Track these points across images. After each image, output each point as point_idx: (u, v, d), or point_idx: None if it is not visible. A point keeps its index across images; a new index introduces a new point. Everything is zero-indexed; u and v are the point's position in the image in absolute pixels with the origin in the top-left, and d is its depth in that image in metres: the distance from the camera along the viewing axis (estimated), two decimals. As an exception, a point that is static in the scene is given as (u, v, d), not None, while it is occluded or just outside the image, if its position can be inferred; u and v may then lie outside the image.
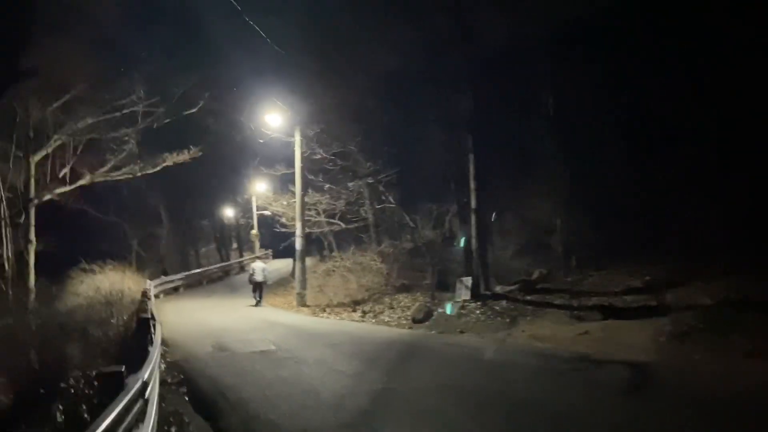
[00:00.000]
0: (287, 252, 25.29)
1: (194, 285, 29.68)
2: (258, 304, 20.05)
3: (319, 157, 19.60)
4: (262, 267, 20.63)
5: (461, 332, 12.89)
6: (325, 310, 18.16)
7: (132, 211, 32.10)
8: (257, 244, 43.44)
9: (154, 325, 8.52)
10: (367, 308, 17.23)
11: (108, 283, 16.97)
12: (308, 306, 19.37)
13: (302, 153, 19.51)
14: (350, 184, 19.59)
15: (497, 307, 14.05)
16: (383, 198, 19.21)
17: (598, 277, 15.07)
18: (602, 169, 15.50)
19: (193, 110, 19.02)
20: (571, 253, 16.40)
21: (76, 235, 28.39)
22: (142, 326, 7.59)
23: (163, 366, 9.04)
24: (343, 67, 17.94)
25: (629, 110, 15.23)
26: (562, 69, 16.03)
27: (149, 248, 33.39)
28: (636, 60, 14.69)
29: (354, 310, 17.40)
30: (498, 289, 16.04)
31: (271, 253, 43.51)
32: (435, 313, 14.94)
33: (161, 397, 6.73)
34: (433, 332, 13.44)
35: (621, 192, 15.10)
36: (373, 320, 16.00)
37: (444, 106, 16.76)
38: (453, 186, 16.31)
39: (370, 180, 19.50)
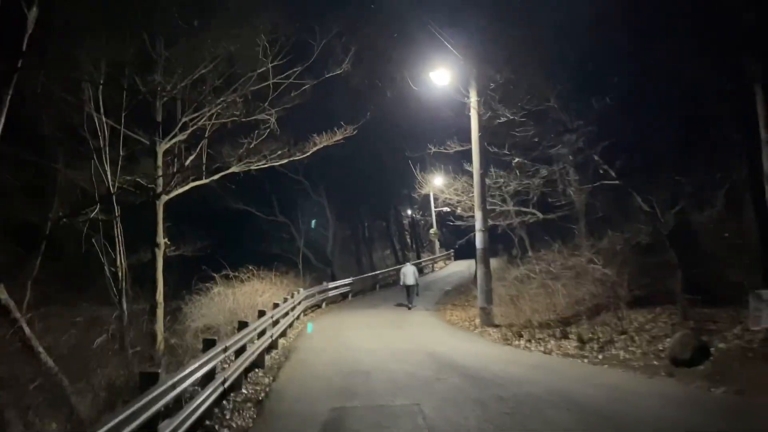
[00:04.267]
0: (469, 251, 21.16)
1: (366, 290, 26.56)
2: (410, 307, 19.96)
3: (503, 120, 14.14)
4: (412, 270, 20.30)
5: (784, 394, 7.14)
6: (521, 335, 12.87)
7: (298, 210, 29.82)
8: (437, 244, 40.03)
9: None
10: (584, 333, 11.70)
11: (237, 297, 13.38)
12: (496, 326, 14.25)
13: (480, 116, 14.26)
14: (551, 152, 13.77)
15: (842, 346, 7.80)
16: (600, 172, 13.23)
17: None
18: None
19: (338, 71, 14.85)
20: None
21: (241, 237, 26.98)
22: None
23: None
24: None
25: None
26: None
27: (318, 251, 30.65)
28: None
29: (565, 336, 12.02)
30: (828, 310, 9.33)
31: (452, 254, 39.60)
32: (712, 349, 8.98)
33: None
34: (721, 390, 7.70)
35: None
36: (599, 356, 10.46)
37: (705, 19, 10.60)
38: (738, 137, 9.80)
39: (579, 147, 13.59)
